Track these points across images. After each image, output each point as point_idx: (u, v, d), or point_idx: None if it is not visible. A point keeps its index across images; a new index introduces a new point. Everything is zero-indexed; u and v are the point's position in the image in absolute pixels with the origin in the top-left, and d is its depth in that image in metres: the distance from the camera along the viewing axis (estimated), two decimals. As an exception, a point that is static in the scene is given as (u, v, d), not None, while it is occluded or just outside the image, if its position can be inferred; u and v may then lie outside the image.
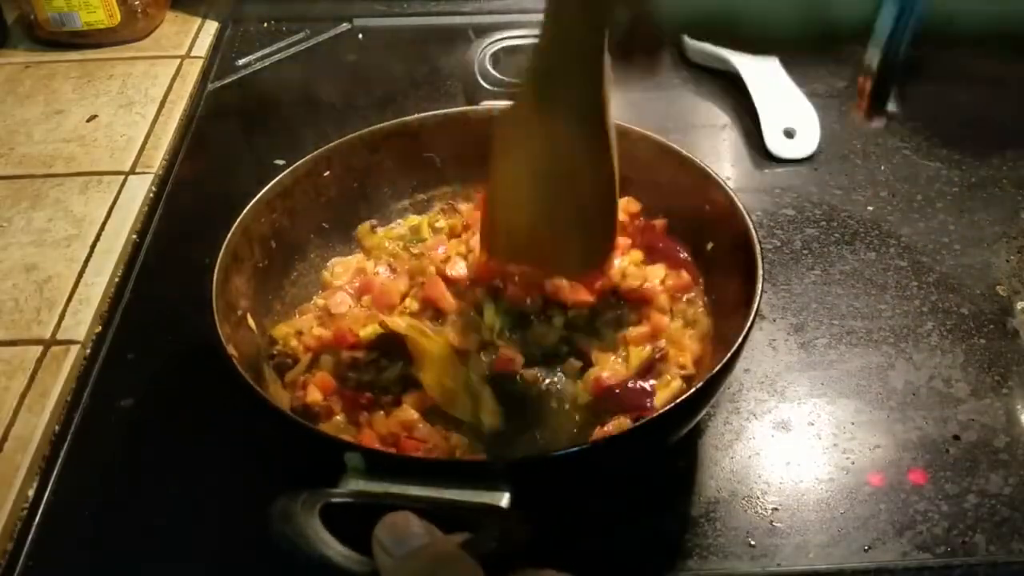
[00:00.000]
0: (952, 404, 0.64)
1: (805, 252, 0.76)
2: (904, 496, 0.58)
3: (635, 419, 0.56)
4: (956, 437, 0.61)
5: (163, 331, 0.70)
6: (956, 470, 0.59)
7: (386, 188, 0.72)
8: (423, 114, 0.72)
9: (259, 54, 1.01)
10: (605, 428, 0.57)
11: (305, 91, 0.96)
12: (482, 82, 0.84)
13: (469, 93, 0.85)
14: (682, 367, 0.60)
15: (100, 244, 0.77)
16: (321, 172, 0.68)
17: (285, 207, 0.66)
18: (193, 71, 0.98)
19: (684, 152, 0.66)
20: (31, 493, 0.60)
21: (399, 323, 0.61)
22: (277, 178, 0.65)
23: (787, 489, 0.59)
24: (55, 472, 0.61)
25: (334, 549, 0.39)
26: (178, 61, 0.99)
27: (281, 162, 0.74)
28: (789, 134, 0.85)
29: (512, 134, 0.54)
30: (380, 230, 0.72)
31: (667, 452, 0.59)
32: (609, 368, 0.60)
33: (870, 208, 0.80)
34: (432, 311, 0.63)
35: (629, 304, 0.64)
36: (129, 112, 0.92)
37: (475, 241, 0.66)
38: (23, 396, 0.65)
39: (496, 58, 0.87)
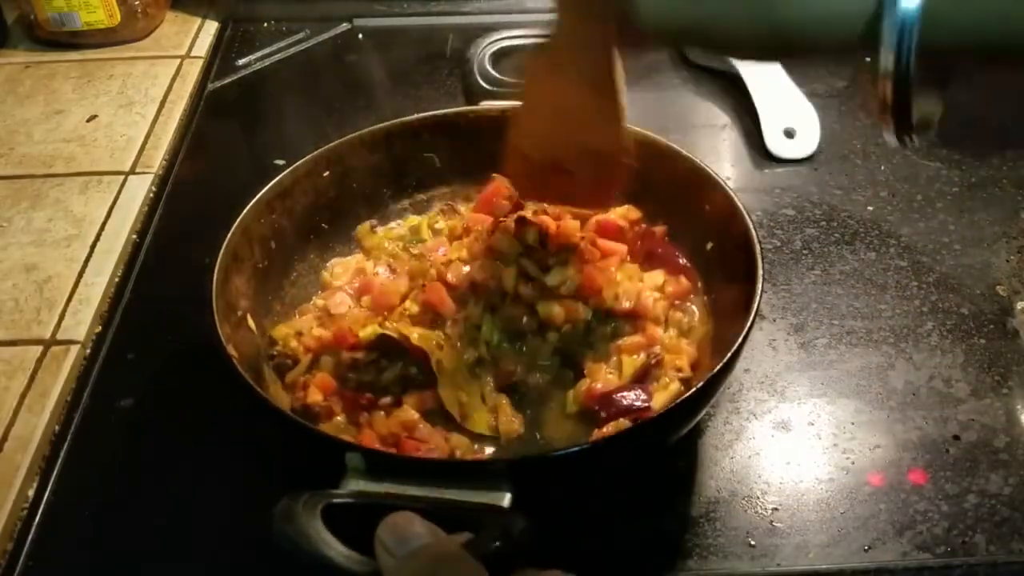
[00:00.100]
0: (952, 404, 0.64)
1: (805, 252, 0.76)
2: (904, 496, 0.58)
3: (634, 421, 0.56)
4: (956, 437, 0.61)
5: (163, 331, 0.70)
6: (956, 470, 0.59)
7: (386, 188, 0.73)
8: (423, 114, 0.72)
9: (259, 54, 1.01)
10: (604, 430, 0.57)
11: (305, 91, 0.96)
12: (482, 82, 0.84)
13: (469, 93, 0.85)
14: (679, 370, 0.60)
15: (100, 244, 0.77)
16: (321, 172, 0.68)
17: (285, 207, 0.66)
18: (193, 71, 0.98)
19: (684, 152, 0.66)
20: (31, 493, 0.60)
21: (411, 333, 0.60)
22: (277, 178, 0.65)
23: (787, 489, 0.59)
24: (55, 472, 0.61)
25: (335, 549, 0.39)
26: (178, 61, 0.99)
27: (281, 162, 0.74)
28: (789, 134, 0.85)
29: (538, 75, 0.59)
30: (380, 230, 0.72)
31: (667, 452, 0.59)
32: (602, 379, 0.60)
33: (870, 208, 0.80)
34: (432, 315, 0.63)
35: (623, 319, 0.63)
36: (129, 112, 0.92)
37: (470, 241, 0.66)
38: (23, 396, 0.65)
39: (496, 58, 0.87)
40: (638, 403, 0.57)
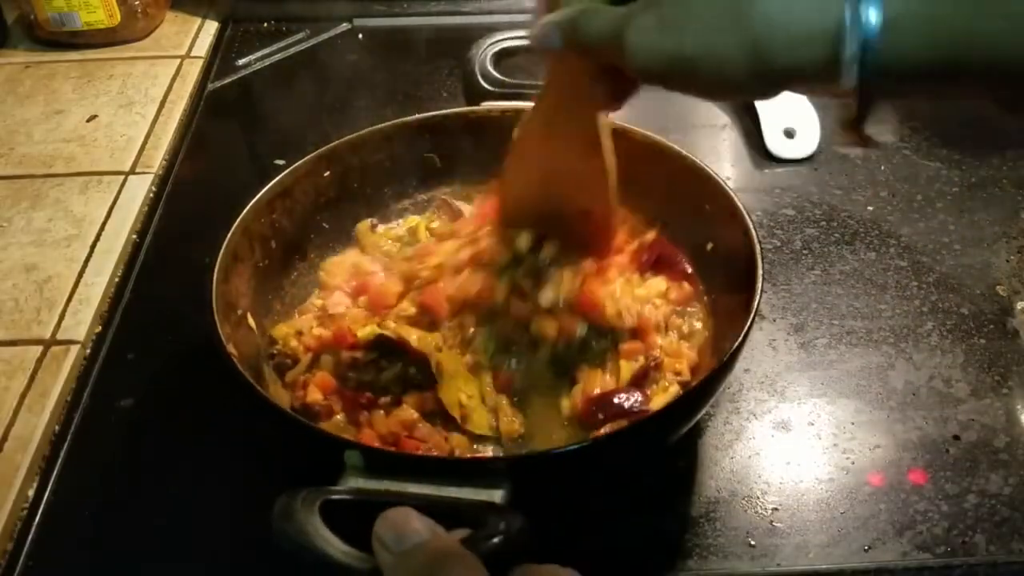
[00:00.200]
0: (952, 404, 0.64)
1: (805, 252, 0.76)
2: (904, 496, 0.58)
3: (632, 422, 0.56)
4: (956, 437, 0.61)
5: (163, 331, 0.70)
6: (956, 470, 0.59)
7: (387, 188, 0.73)
8: (424, 114, 0.72)
9: (259, 54, 1.01)
10: (603, 429, 0.57)
11: (305, 91, 0.96)
12: (482, 82, 0.84)
13: (469, 93, 0.85)
14: (678, 374, 0.60)
15: (100, 244, 0.77)
16: (321, 172, 0.68)
17: (285, 207, 0.66)
18: (193, 71, 0.98)
19: (684, 152, 0.66)
20: (31, 493, 0.60)
21: (410, 335, 0.60)
22: (277, 178, 0.65)
23: (787, 489, 0.59)
24: (55, 472, 0.61)
25: (334, 546, 0.39)
26: (178, 61, 0.99)
27: (281, 162, 0.74)
28: (789, 134, 0.85)
29: (527, 141, 0.59)
30: (380, 229, 0.72)
31: (667, 452, 0.59)
32: (599, 384, 0.59)
33: (870, 208, 0.80)
34: (429, 318, 0.62)
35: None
36: (129, 112, 0.92)
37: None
38: (23, 396, 0.65)
39: (496, 58, 0.87)
40: (636, 406, 0.57)
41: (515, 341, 0.60)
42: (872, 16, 0.35)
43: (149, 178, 0.84)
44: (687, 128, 0.89)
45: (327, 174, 0.68)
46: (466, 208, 0.72)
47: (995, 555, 0.55)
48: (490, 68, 0.86)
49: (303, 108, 0.93)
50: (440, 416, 0.58)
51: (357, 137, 0.69)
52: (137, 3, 1.00)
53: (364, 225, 0.71)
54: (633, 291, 0.64)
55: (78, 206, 0.80)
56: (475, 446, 0.58)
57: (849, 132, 0.40)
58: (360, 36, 1.05)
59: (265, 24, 1.06)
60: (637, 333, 0.61)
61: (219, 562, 0.56)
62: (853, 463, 0.60)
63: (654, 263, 0.66)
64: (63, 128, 0.90)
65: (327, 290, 0.67)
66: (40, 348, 0.68)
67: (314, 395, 0.59)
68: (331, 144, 0.69)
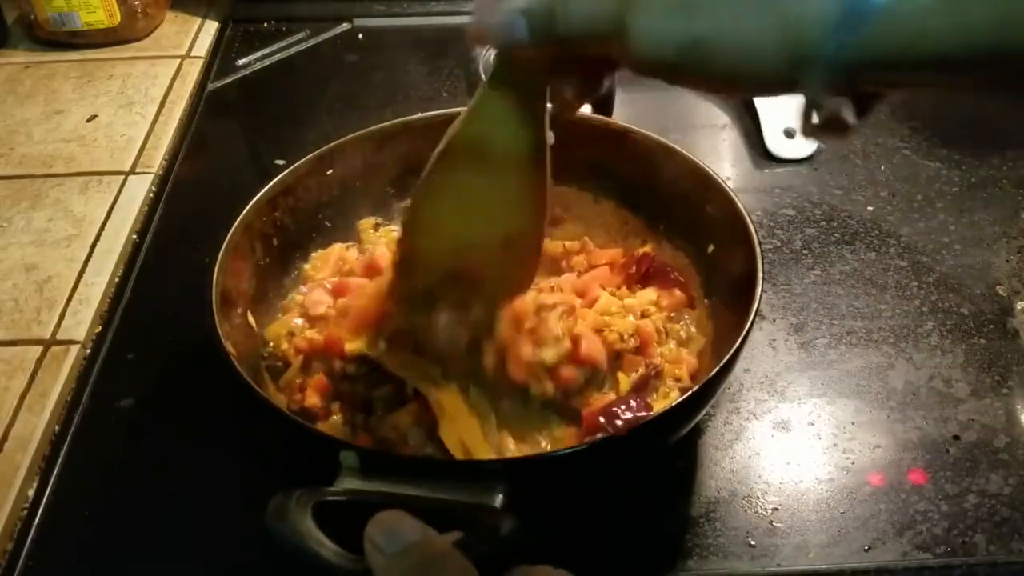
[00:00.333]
0: (952, 404, 0.64)
1: (805, 252, 0.76)
2: (904, 496, 0.58)
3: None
4: (956, 437, 0.61)
5: (163, 331, 0.70)
6: (956, 470, 0.59)
7: (389, 187, 0.72)
8: (427, 113, 0.71)
9: (259, 54, 1.01)
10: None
11: (305, 91, 0.96)
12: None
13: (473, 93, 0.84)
14: (678, 380, 0.60)
15: (100, 244, 0.77)
16: (324, 170, 0.68)
17: (287, 205, 0.66)
18: (193, 71, 0.98)
19: (684, 152, 0.65)
20: (31, 493, 0.60)
21: (408, 376, 0.56)
22: (279, 176, 0.65)
23: (787, 489, 0.59)
24: (55, 472, 0.61)
25: (326, 547, 0.39)
26: (178, 61, 0.99)
27: (281, 162, 0.74)
28: (789, 134, 0.85)
29: (453, 159, 0.50)
30: (382, 229, 0.71)
31: (667, 452, 0.59)
32: (600, 401, 0.58)
33: (870, 208, 0.80)
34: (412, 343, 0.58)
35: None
36: (129, 112, 0.92)
37: None
38: (23, 396, 0.65)
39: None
40: (639, 412, 0.56)
41: (509, 395, 0.57)
42: None
43: (149, 178, 0.84)
44: (687, 128, 0.89)
45: (330, 172, 0.68)
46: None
47: (995, 555, 0.55)
48: (493, 67, 0.85)
49: (303, 108, 0.93)
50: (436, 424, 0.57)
51: (361, 136, 0.69)
52: (137, 3, 1.00)
53: (367, 223, 0.71)
54: (624, 304, 0.62)
55: (78, 206, 0.80)
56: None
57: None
58: (360, 36, 1.05)
59: (265, 24, 1.06)
60: (639, 349, 0.61)
61: (219, 562, 0.56)
62: (853, 463, 0.60)
63: (643, 276, 0.66)
64: (63, 128, 0.90)
65: (308, 285, 0.66)
66: (40, 348, 0.68)
67: (312, 399, 0.58)
68: (335, 142, 0.68)
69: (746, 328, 0.53)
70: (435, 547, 0.36)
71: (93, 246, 0.77)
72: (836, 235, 0.77)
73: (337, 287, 0.65)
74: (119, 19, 0.99)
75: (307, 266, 0.68)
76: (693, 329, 0.64)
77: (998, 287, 0.72)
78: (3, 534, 0.57)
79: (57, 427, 0.64)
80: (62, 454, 0.62)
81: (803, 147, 0.85)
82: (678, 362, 0.61)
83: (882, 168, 0.84)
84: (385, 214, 0.72)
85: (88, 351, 0.69)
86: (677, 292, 0.65)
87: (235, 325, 0.58)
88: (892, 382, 0.65)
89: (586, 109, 0.66)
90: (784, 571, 0.55)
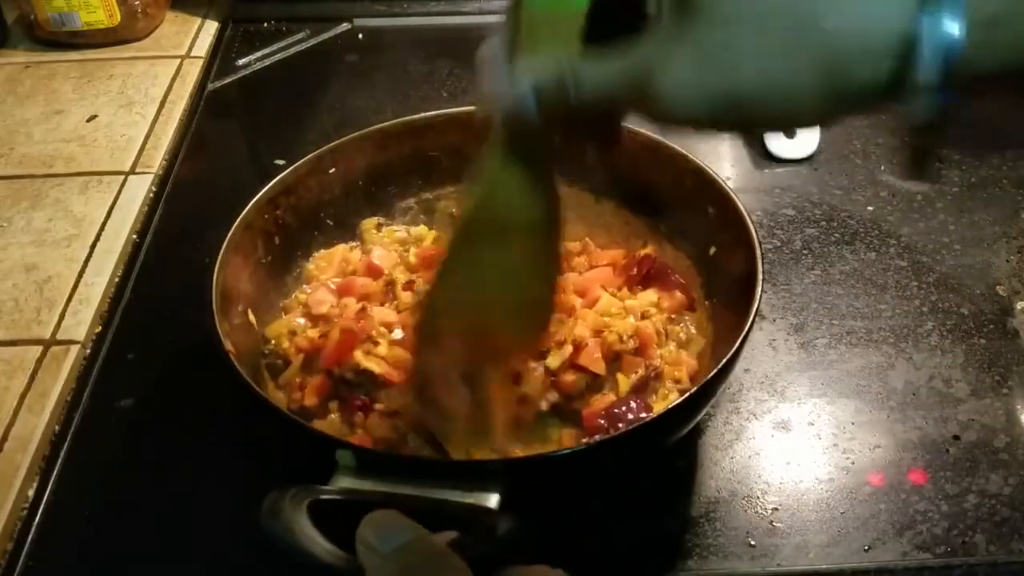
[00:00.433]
0: (952, 404, 0.64)
1: (805, 252, 0.76)
2: (904, 496, 0.58)
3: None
4: (956, 437, 0.61)
5: (163, 331, 0.70)
6: (956, 470, 0.59)
7: (391, 187, 0.72)
8: (429, 113, 0.71)
9: (259, 54, 1.01)
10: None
11: (305, 91, 0.96)
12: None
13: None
14: (678, 381, 0.59)
15: (100, 244, 0.77)
16: (326, 169, 0.68)
17: (289, 203, 0.66)
18: (193, 71, 0.98)
19: (684, 152, 0.65)
20: (31, 493, 0.60)
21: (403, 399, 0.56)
22: (280, 175, 0.65)
23: (787, 489, 0.59)
24: (55, 472, 0.61)
25: (320, 545, 0.39)
26: (178, 61, 0.99)
27: (281, 162, 0.74)
28: (789, 134, 0.85)
29: (469, 230, 0.48)
30: (385, 229, 0.71)
31: (667, 452, 0.59)
32: (600, 403, 0.58)
33: (870, 208, 0.80)
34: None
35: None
36: (129, 112, 0.92)
37: None
38: (23, 396, 0.65)
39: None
40: (639, 414, 0.56)
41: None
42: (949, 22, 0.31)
43: (149, 178, 0.84)
44: (687, 128, 0.89)
45: (332, 171, 0.68)
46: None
47: (995, 555, 0.55)
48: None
49: (303, 108, 0.93)
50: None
51: (363, 135, 0.69)
52: (137, 3, 1.00)
53: (370, 223, 0.71)
54: (624, 305, 0.63)
55: (78, 206, 0.80)
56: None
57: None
58: (360, 36, 1.05)
59: (265, 24, 1.06)
60: (638, 350, 0.60)
61: (219, 562, 0.56)
62: (853, 463, 0.60)
63: (644, 278, 0.66)
64: (63, 128, 0.90)
65: (312, 284, 0.66)
66: (40, 348, 0.68)
67: (311, 399, 0.58)
68: (336, 142, 0.68)
69: (746, 328, 0.53)
70: (429, 546, 0.36)
71: (93, 246, 0.77)
72: (836, 235, 0.77)
73: (341, 287, 0.65)
74: (119, 19, 0.99)
75: (310, 265, 0.68)
76: (693, 331, 0.64)
77: (998, 287, 0.72)
78: (3, 534, 0.57)
79: (57, 427, 0.64)
80: (62, 454, 0.62)
81: (803, 147, 0.84)
82: (678, 364, 0.60)
83: (882, 168, 0.84)
84: (387, 214, 0.72)
85: (88, 351, 0.69)
86: (678, 294, 0.65)
87: (235, 324, 0.58)
88: (892, 382, 0.65)
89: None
90: (784, 571, 0.55)
